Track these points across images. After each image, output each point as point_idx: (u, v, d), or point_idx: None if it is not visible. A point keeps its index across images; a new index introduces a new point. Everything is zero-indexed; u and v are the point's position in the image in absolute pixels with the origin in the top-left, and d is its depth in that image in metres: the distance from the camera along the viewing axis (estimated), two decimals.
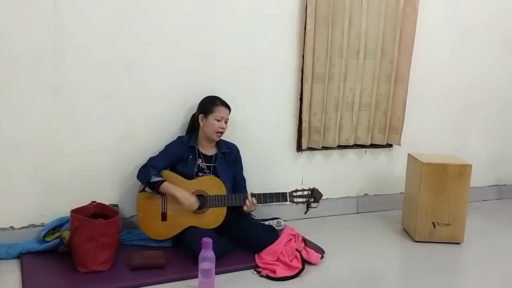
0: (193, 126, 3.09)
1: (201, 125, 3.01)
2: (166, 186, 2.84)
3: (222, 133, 3.01)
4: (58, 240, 2.75)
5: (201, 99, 3.07)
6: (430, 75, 3.93)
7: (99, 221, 2.64)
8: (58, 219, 2.89)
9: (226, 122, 3.02)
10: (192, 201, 2.85)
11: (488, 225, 3.78)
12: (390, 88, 3.69)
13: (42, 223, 2.92)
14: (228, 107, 3.04)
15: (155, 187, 2.82)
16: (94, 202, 2.77)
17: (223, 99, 3.05)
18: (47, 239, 2.81)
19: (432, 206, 3.26)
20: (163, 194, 2.88)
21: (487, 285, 2.79)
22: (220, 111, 2.99)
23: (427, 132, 4.01)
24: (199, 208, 2.90)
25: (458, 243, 3.29)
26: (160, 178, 2.84)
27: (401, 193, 3.66)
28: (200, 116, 3.01)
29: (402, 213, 3.56)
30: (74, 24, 2.83)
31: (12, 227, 2.88)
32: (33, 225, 2.92)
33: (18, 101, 2.78)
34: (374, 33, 3.56)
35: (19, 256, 2.74)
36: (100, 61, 2.92)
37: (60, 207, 2.87)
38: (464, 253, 3.22)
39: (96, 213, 2.73)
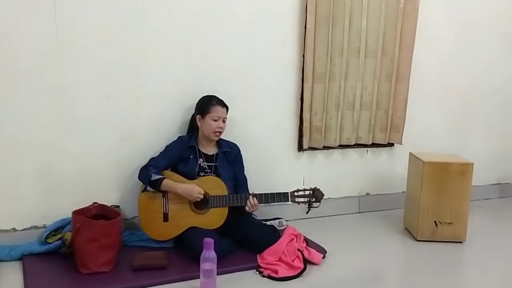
0: (193, 126, 3.09)
1: (200, 126, 3.01)
2: (166, 183, 2.84)
3: (220, 132, 3.00)
4: (60, 241, 2.75)
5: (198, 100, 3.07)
6: (431, 73, 3.93)
7: (100, 222, 2.64)
8: (60, 221, 2.89)
9: (224, 121, 3.02)
10: (195, 193, 2.83)
11: (490, 223, 3.78)
12: (391, 87, 3.69)
13: (44, 225, 2.92)
14: (225, 106, 3.03)
15: (156, 185, 2.83)
16: (96, 203, 2.78)
17: (219, 98, 3.04)
18: (49, 240, 2.81)
19: (434, 205, 3.25)
20: (165, 193, 2.88)
21: (490, 284, 2.78)
22: (217, 110, 2.98)
23: (429, 131, 4.01)
24: (201, 208, 2.90)
25: (460, 242, 3.28)
26: (160, 176, 2.84)
27: (403, 192, 3.66)
28: (198, 117, 3.01)
29: (404, 212, 3.55)
30: (74, 25, 2.83)
31: (14, 229, 2.88)
32: (35, 227, 2.92)
33: (19, 102, 2.79)
34: (374, 32, 3.56)
35: (21, 258, 2.74)
36: (101, 61, 2.92)
37: (62, 208, 2.87)
38: (466, 252, 3.22)
39: (98, 214, 2.73)
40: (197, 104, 3.06)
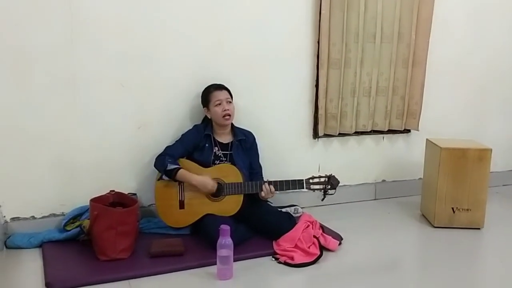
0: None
1: (210, 117, 3.02)
2: (182, 174, 2.85)
3: (229, 115, 2.99)
4: (78, 229, 2.79)
5: None
6: (448, 58, 3.86)
7: (118, 209, 2.66)
8: (78, 208, 2.93)
9: (229, 103, 3.00)
10: (210, 186, 2.86)
11: (509, 210, 3.73)
12: (407, 73, 3.64)
13: (63, 213, 2.96)
14: (224, 88, 3.03)
15: (171, 175, 2.84)
16: (113, 191, 2.80)
17: (217, 83, 3.04)
18: (68, 228, 2.85)
19: (452, 192, 3.22)
20: (180, 182, 2.89)
21: (508, 270, 2.75)
22: (216, 95, 2.98)
23: (446, 117, 3.95)
24: (217, 195, 2.92)
25: (478, 229, 3.25)
26: (176, 166, 2.86)
27: (420, 178, 3.63)
28: (204, 109, 3.03)
29: (421, 199, 3.53)
30: (89, 16, 2.84)
31: (33, 217, 2.93)
32: (54, 215, 2.96)
33: (35, 93, 2.81)
34: (390, 16, 3.51)
35: (40, 245, 2.79)
36: (115, 51, 2.93)
37: (80, 196, 2.90)
38: (484, 238, 3.19)
39: (115, 202, 2.76)
40: (200, 99, 3.07)
